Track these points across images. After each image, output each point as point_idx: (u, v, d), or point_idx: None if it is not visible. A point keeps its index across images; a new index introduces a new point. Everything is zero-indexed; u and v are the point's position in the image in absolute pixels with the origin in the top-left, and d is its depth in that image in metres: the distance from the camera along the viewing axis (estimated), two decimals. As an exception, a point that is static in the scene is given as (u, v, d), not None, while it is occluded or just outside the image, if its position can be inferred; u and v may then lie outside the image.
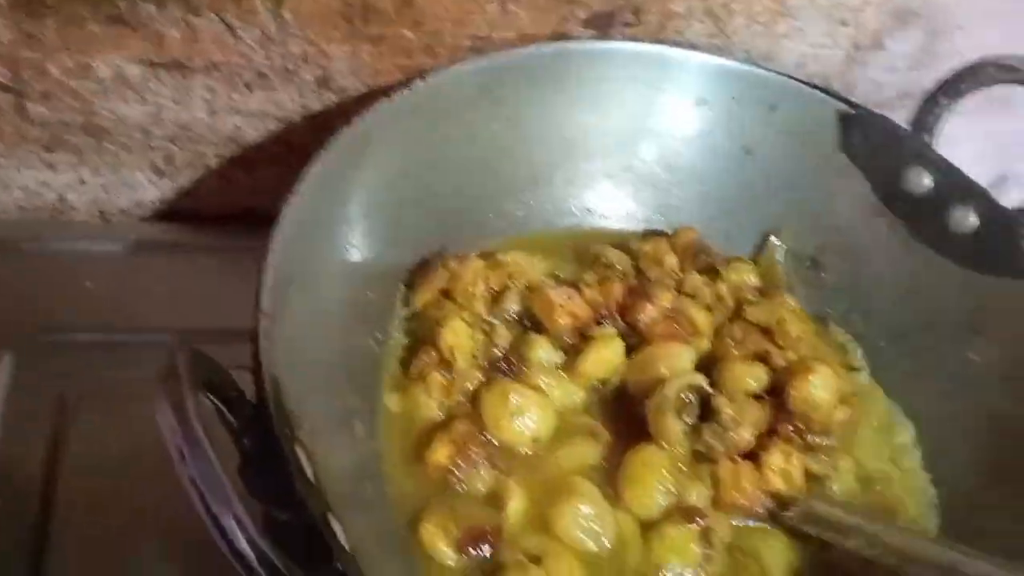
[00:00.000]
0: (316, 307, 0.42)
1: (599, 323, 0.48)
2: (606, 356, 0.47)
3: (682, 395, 0.45)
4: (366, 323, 0.46)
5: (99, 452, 0.49)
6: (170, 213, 0.60)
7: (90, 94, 0.54)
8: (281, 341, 0.37)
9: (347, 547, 0.32)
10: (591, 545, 0.42)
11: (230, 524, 0.26)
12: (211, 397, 0.33)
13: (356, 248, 0.47)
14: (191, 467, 0.27)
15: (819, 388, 0.46)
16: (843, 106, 0.55)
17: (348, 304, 0.45)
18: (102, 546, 0.46)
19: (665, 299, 0.48)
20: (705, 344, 0.49)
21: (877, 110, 0.55)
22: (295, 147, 0.58)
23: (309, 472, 0.33)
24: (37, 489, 0.48)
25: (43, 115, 0.55)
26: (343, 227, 0.47)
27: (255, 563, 0.26)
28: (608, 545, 0.43)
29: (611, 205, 0.57)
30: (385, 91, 0.49)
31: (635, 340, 0.48)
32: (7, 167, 0.57)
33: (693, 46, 0.58)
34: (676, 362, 0.47)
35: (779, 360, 0.48)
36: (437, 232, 0.51)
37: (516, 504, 0.42)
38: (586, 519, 0.42)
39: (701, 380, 0.46)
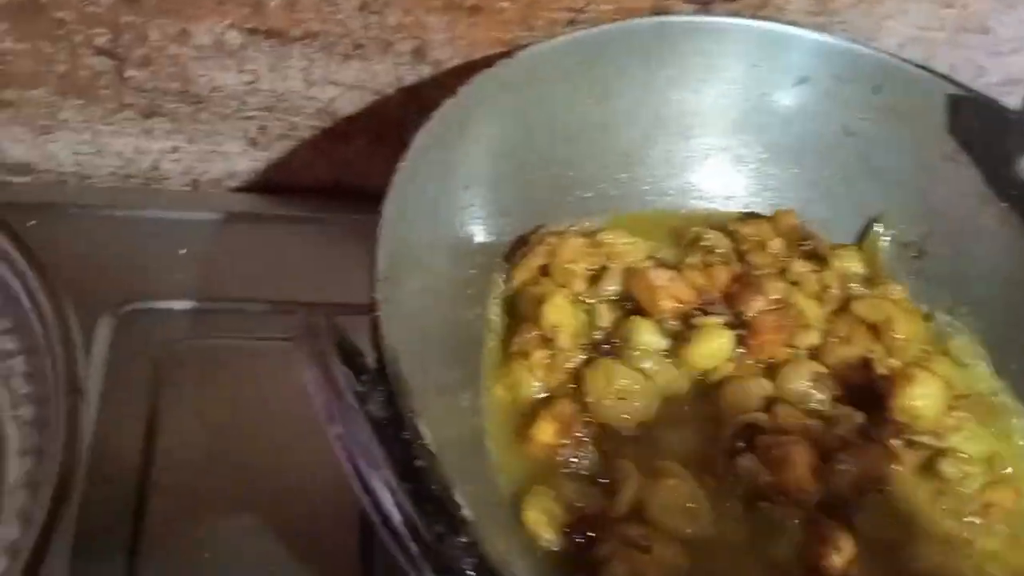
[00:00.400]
0: (424, 281, 0.42)
1: (705, 312, 0.46)
2: (714, 349, 0.46)
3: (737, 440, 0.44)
4: (469, 298, 0.46)
5: (195, 417, 0.49)
6: (261, 184, 0.60)
7: (189, 60, 0.54)
8: (395, 312, 0.37)
9: (471, 518, 0.31)
10: (690, 529, 0.42)
11: (378, 485, 0.26)
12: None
13: (458, 222, 0.47)
14: (342, 428, 0.27)
15: (922, 399, 0.45)
16: (953, 88, 0.53)
17: (452, 278, 0.45)
18: (200, 515, 0.46)
19: (774, 289, 0.47)
20: (814, 337, 0.48)
21: (979, 95, 0.54)
22: (388, 120, 0.58)
23: (430, 442, 0.32)
24: (135, 455, 0.48)
25: (142, 81, 0.55)
26: (446, 200, 0.46)
27: (401, 526, 0.26)
28: (709, 528, 0.42)
29: (709, 185, 0.56)
30: (485, 62, 0.49)
31: (743, 330, 0.47)
32: (104, 133, 0.57)
33: (794, 23, 0.56)
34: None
35: (881, 368, 0.47)
36: (534, 209, 0.50)
37: (631, 489, 0.41)
38: (681, 500, 0.42)
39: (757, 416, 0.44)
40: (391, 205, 0.40)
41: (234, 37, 0.53)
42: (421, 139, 0.44)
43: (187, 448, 0.48)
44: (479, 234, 0.48)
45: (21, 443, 0.41)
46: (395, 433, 0.32)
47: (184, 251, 0.55)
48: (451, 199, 0.46)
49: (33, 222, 0.50)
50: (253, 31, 0.53)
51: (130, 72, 0.54)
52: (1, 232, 0.46)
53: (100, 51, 0.53)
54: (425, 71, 0.56)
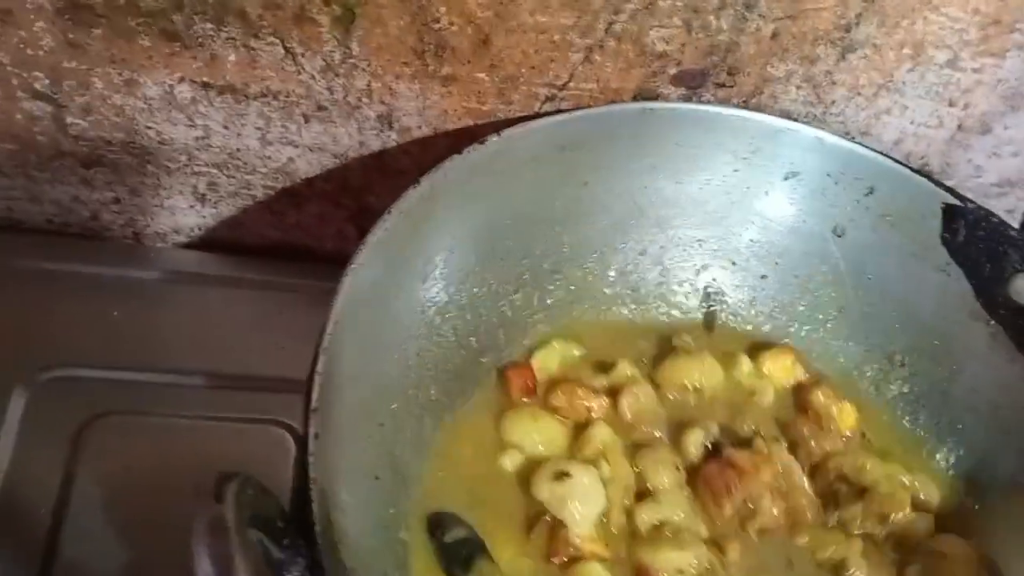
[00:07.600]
0: (363, 400, 0.38)
1: None
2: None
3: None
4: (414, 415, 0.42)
5: (111, 497, 0.45)
6: (209, 242, 0.56)
7: (135, 112, 0.50)
8: (331, 447, 0.33)
9: None
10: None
11: None
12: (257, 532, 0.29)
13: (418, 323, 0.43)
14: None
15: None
16: (949, 196, 0.50)
17: (399, 392, 0.41)
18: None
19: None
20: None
21: (972, 196, 0.51)
22: (348, 185, 0.54)
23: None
24: (44, 531, 0.44)
25: (83, 129, 0.50)
26: (403, 300, 0.42)
27: None
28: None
29: (682, 283, 0.53)
30: (452, 140, 0.45)
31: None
32: (40, 180, 0.52)
33: (787, 114, 0.53)
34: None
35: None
36: (502, 315, 0.47)
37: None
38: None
39: None
40: (336, 318, 0.36)
41: (185, 91, 0.48)
42: (379, 234, 0.40)
43: (101, 525, 0.44)
44: (440, 342, 0.44)
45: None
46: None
47: (118, 313, 0.51)
48: (410, 297, 0.43)
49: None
50: (206, 86, 0.48)
51: (71, 120, 0.50)
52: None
53: (39, 96, 0.49)
54: (391, 138, 0.52)
